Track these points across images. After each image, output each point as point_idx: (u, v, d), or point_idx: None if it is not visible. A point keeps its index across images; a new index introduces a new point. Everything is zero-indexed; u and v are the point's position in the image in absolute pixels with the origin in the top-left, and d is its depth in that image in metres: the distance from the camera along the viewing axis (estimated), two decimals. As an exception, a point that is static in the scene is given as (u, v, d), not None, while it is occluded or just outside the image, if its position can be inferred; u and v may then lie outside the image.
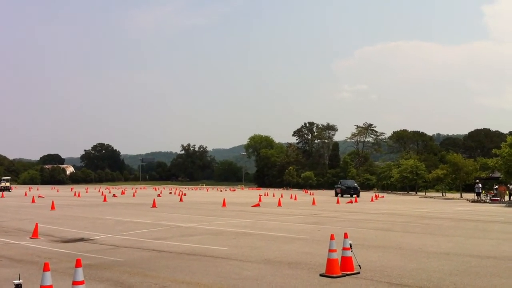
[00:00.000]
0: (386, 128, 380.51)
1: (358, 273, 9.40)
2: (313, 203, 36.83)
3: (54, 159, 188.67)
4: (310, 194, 63.11)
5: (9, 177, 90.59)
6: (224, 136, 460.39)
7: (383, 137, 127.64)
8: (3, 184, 76.89)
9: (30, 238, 15.14)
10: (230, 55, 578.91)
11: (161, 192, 64.70)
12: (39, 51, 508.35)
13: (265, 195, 58.31)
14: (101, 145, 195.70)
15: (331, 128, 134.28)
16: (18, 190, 79.28)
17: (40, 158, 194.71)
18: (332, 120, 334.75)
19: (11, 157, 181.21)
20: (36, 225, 16.07)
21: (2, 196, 49.89)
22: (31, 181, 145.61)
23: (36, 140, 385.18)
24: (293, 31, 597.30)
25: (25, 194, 55.17)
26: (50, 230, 17.43)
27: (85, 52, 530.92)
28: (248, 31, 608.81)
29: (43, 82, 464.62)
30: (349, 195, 53.52)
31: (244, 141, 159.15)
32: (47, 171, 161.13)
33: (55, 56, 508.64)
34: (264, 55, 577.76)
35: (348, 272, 9.25)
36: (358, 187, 59.22)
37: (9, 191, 71.33)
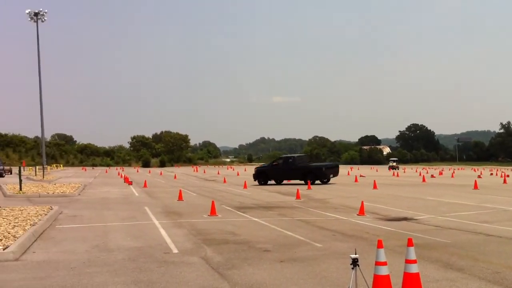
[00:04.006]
0: None
1: None
2: None
3: (371, 140, 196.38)
4: None
5: (396, 158, 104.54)
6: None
7: None
8: (391, 164, 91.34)
9: (357, 215, 16.21)
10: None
11: (481, 173, 61.02)
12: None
13: None
14: (415, 126, 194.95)
15: None
16: (341, 169, 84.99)
17: (358, 139, 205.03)
18: None
19: (332, 139, 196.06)
20: (362, 203, 17.08)
21: (397, 175, 54.23)
22: (351, 161, 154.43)
23: (355, 123, 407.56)
24: None
25: (348, 174, 58.77)
26: (374, 208, 18.31)
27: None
28: None
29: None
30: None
31: None
32: (365, 151, 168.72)
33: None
34: None
35: None
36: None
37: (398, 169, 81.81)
